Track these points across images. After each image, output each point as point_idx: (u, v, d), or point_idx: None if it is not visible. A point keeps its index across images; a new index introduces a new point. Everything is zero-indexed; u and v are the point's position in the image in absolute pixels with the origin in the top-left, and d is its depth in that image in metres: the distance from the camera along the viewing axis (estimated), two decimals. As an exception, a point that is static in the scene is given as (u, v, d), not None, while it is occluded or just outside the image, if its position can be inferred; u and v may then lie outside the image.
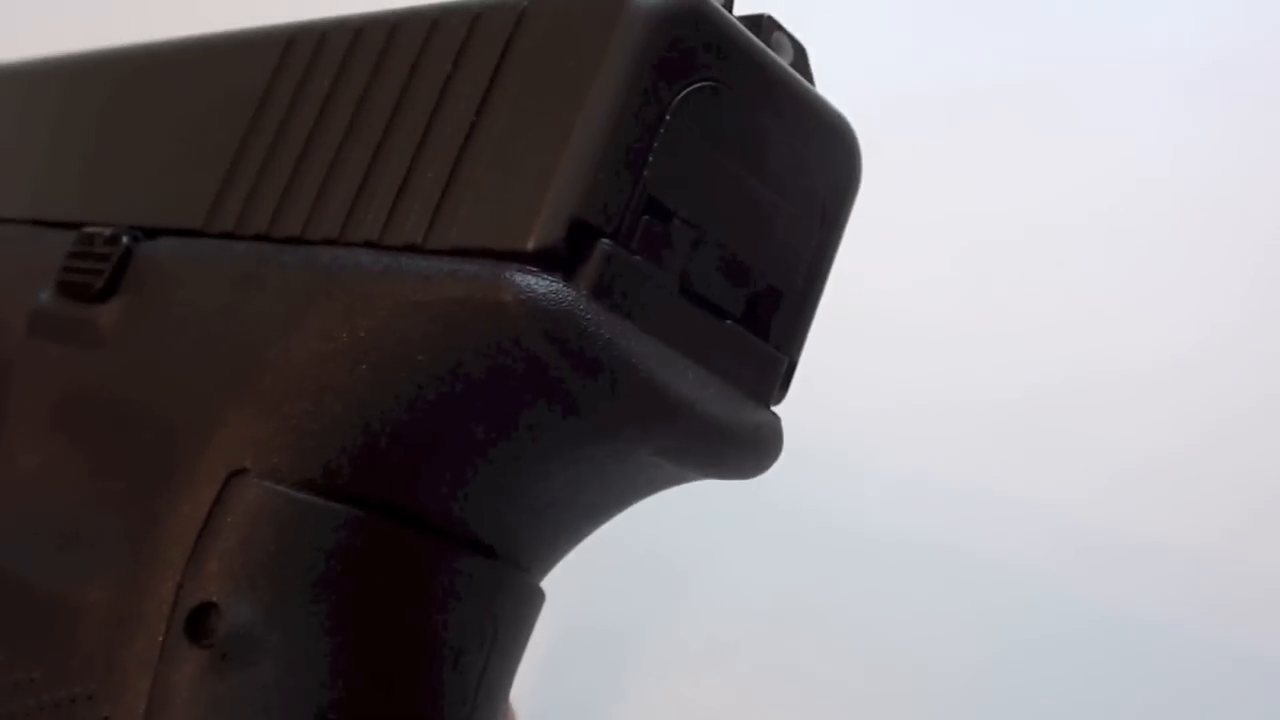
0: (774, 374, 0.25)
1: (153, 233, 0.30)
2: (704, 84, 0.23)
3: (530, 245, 0.22)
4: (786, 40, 0.26)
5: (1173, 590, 0.46)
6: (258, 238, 0.27)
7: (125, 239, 0.29)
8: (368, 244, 0.25)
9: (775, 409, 0.25)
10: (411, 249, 0.24)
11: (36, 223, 0.33)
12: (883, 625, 0.49)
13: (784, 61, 0.25)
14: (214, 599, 0.24)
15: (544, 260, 0.22)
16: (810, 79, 0.26)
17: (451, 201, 0.24)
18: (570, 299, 0.22)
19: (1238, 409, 0.47)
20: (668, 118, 0.23)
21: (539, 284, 0.22)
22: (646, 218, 0.23)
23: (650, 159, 0.23)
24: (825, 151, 0.25)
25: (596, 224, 0.22)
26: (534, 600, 0.26)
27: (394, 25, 0.27)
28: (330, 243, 0.26)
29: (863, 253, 0.49)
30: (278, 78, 0.29)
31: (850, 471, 0.50)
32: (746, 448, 0.24)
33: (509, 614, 0.26)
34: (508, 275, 0.22)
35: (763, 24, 0.26)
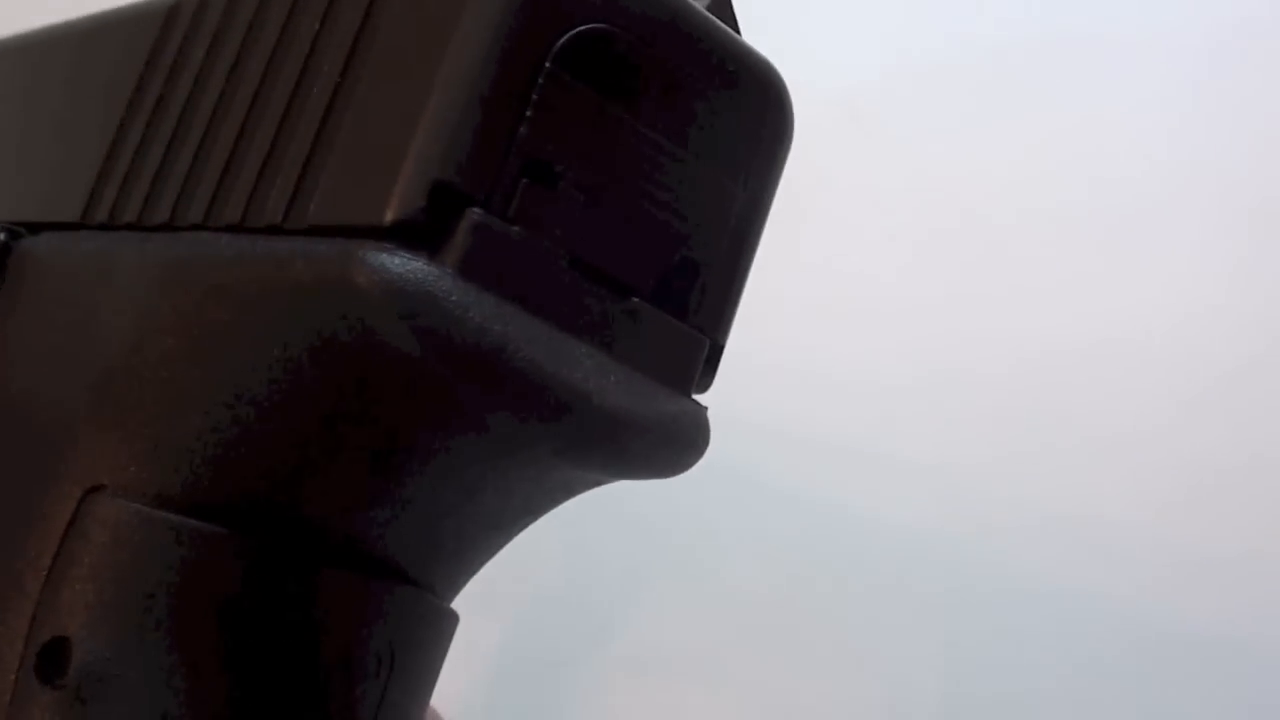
0: (693, 357, 0.22)
1: (35, 228, 0.27)
2: (592, 26, 0.20)
3: (387, 218, 0.19)
4: (700, -20, 0.23)
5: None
6: (129, 227, 0.25)
7: (2, 235, 0.27)
8: (230, 227, 0.22)
9: (700, 397, 0.22)
10: (272, 230, 0.21)
11: None
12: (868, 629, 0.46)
13: (698, 4, 0.22)
14: (67, 633, 0.21)
15: (404, 235, 0.19)
16: (734, 24, 0.23)
17: (314, 175, 0.21)
18: (433, 277, 0.19)
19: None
20: (547, 65, 0.20)
21: (394, 262, 0.19)
22: (525, 181, 0.20)
23: (527, 112, 0.20)
24: (746, 104, 0.22)
25: (463, 189, 0.19)
26: (440, 621, 0.23)
27: (268, -13, 0.24)
28: (197, 228, 0.23)
29: (852, 234, 0.47)
30: (157, 52, 0.26)
31: (836, 466, 0.47)
32: (659, 442, 0.21)
33: (409, 638, 0.23)
34: (360, 253, 0.19)
35: None
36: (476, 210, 0.19)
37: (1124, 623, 0.44)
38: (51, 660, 0.21)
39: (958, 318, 0.47)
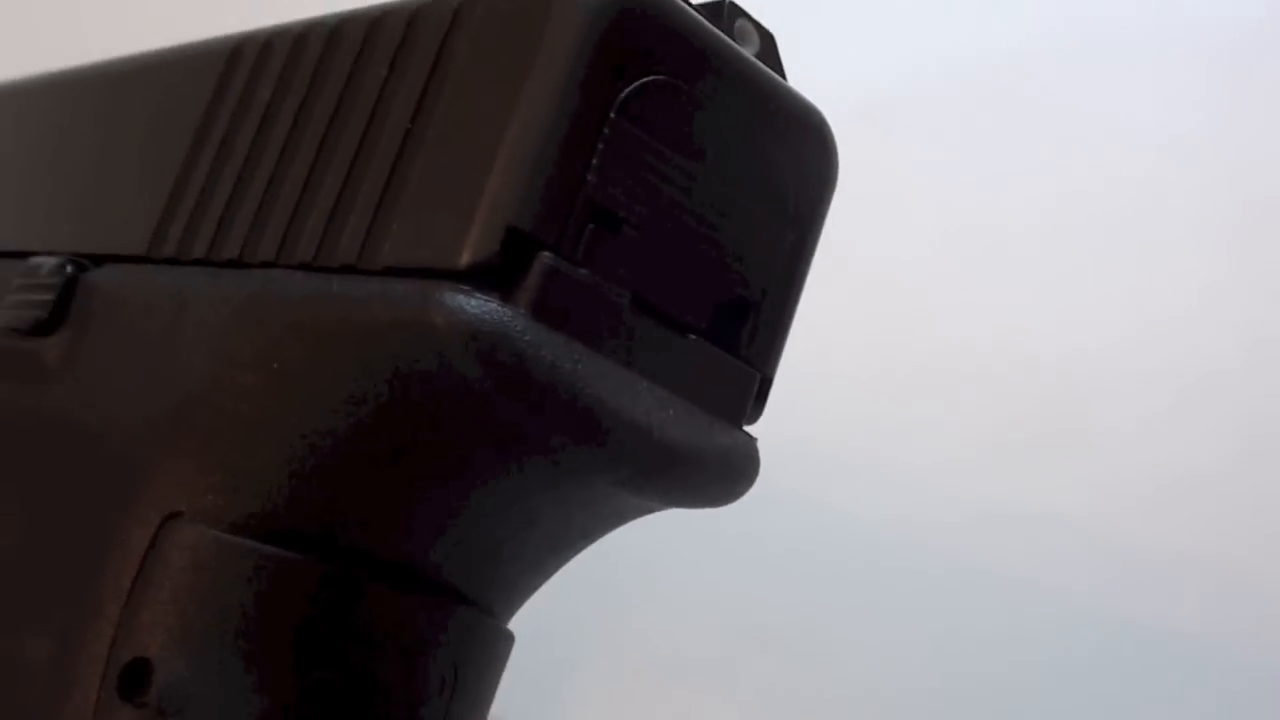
0: (745, 391, 0.23)
1: (98, 259, 0.28)
2: (654, 79, 0.21)
3: (463, 261, 0.20)
4: (751, 28, 0.24)
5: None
6: (198, 262, 0.26)
7: (69, 268, 0.28)
8: (303, 265, 0.23)
9: (750, 428, 0.23)
10: (347, 270, 0.22)
11: None
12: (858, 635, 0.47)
13: (748, 52, 0.23)
14: (147, 654, 0.22)
15: (479, 277, 0.20)
16: (780, 69, 0.24)
17: (386, 216, 0.22)
18: (507, 319, 0.20)
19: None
20: (613, 115, 0.21)
21: (472, 304, 0.20)
22: (592, 226, 0.21)
23: (594, 161, 0.21)
24: (795, 147, 0.23)
25: (535, 234, 0.20)
26: (499, 642, 0.24)
27: (334, 28, 0.25)
28: (267, 265, 0.24)
29: (864, 236, 0.48)
30: (222, 91, 0.27)
31: (823, 472, 0.48)
32: (715, 473, 0.22)
33: (471, 659, 0.24)
34: (438, 295, 0.20)
35: (724, 10, 0.24)
36: (547, 254, 0.20)
37: (1108, 619, 0.45)
38: (133, 679, 0.22)
39: (969, 321, 0.48)
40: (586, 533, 0.24)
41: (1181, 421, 0.46)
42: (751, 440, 0.23)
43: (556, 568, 0.25)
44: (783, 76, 0.24)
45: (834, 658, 0.47)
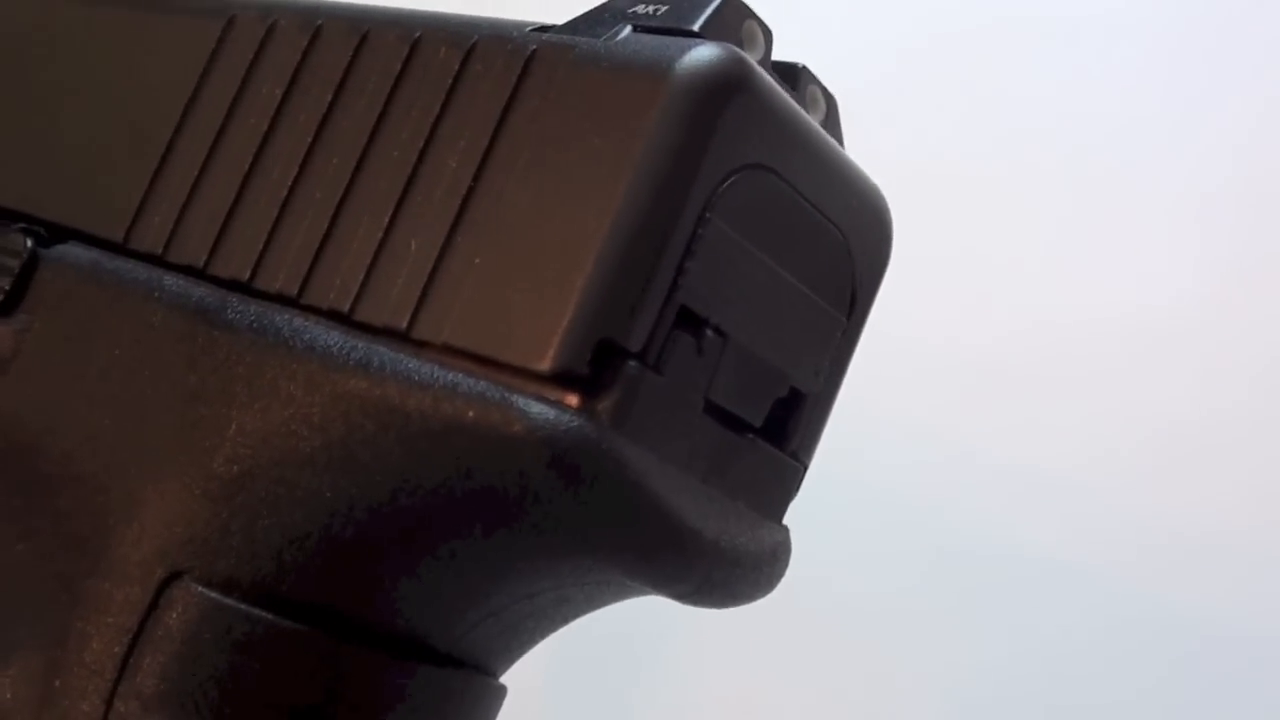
0: (792, 488, 0.22)
1: (60, 231, 0.26)
2: (747, 169, 0.20)
3: (546, 366, 0.19)
4: (820, 93, 0.23)
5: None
6: (191, 271, 0.23)
7: (29, 242, 0.25)
8: (334, 314, 0.21)
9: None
10: (391, 334, 0.21)
11: None
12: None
13: (818, 125, 0.22)
14: None
15: (560, 382, 0.19)
16: (839, 135, 0.23)
17: (443, 282, 0.20)
18: (591, 435, 0.19)
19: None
20: (708, 214, 0.20)
21: (555, 416, 0.19)
22: (676, 331, 0.20)
23: (687, 264, 0.19)
24: (862, 234, 0.22)
25: (624, 344, 0.19)
26: (496, 700, 0.24)
27: (366, 34, 0.23)
28: (287, 301, 0.22)
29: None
30: (216, 63, 0.25)
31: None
32: (762, 576, 0.22)
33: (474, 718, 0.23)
34: (519, 402, 0.19)
35: (799, 76, 0.22)
36: (634, 364, 0.19)
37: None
38: None
39: (946, 297, 0.48)
40: (605, 604, 0.23)
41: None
42: (788, 534, 0.23)
43: (557, 630, 0.24)
44: (841, 142, 0.23)
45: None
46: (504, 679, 0.24)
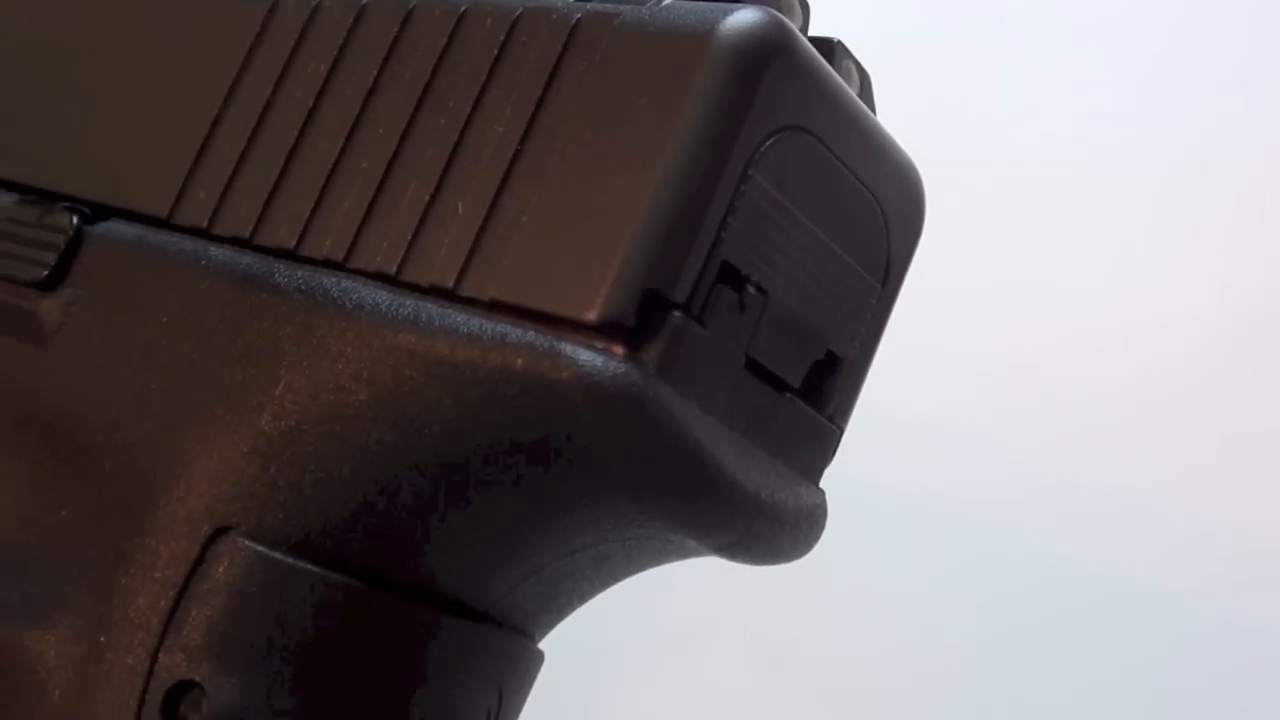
0: (830, 450, 0.23)
1: (102, 210, 0.26)
2: (788, 130, 0.21)
3: (593, 316, 0.19)
4: (854, 68, 0.24)
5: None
6: (237, 241, 0.24)
7: (75, 220, 0.26)
8: (381, 275, 0.22)
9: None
10: (438, 292, 0.21)
11: None
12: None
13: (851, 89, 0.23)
14: (196, 677, 0.21)
15: (607, 332, 0.19)
16: (873, 109, 0.24)
17: (489, 242, 0.21)
18: (638, 381, 0.19)
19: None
20: (750, 172, 0.20)
21: (603, 363, 0.19)
22: (719, 285, 0.20)
23: (730, 220, 0.20)
24: (895, 203, 0.23)
25: (669, 295, 0.19)
26: (536, 663, 0.24)
27: (412, 9, 0.24)
28: (333, 265, 0.22)
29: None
30: (261, 44, 0.25)
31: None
32: (801, 535, 0.22)
33: (513, 681, 0.23)
34: (567, 349, 0.19)
35: (835, 50, 0.23)
36: (679, 315, 0.20)
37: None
38: (176, 703, 0.21)
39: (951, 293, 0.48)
40: (640, 567, 0.24)
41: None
42: (824, 496, 0.23)
43: (597, 594, 0.24)
44: (875, 114, 0.24)
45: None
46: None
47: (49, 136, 0.28)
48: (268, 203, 0.24)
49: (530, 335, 0.20)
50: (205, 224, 0.24)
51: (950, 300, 0.48)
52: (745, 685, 0.49)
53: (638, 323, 0.19)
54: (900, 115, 0.25)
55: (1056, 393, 0.48)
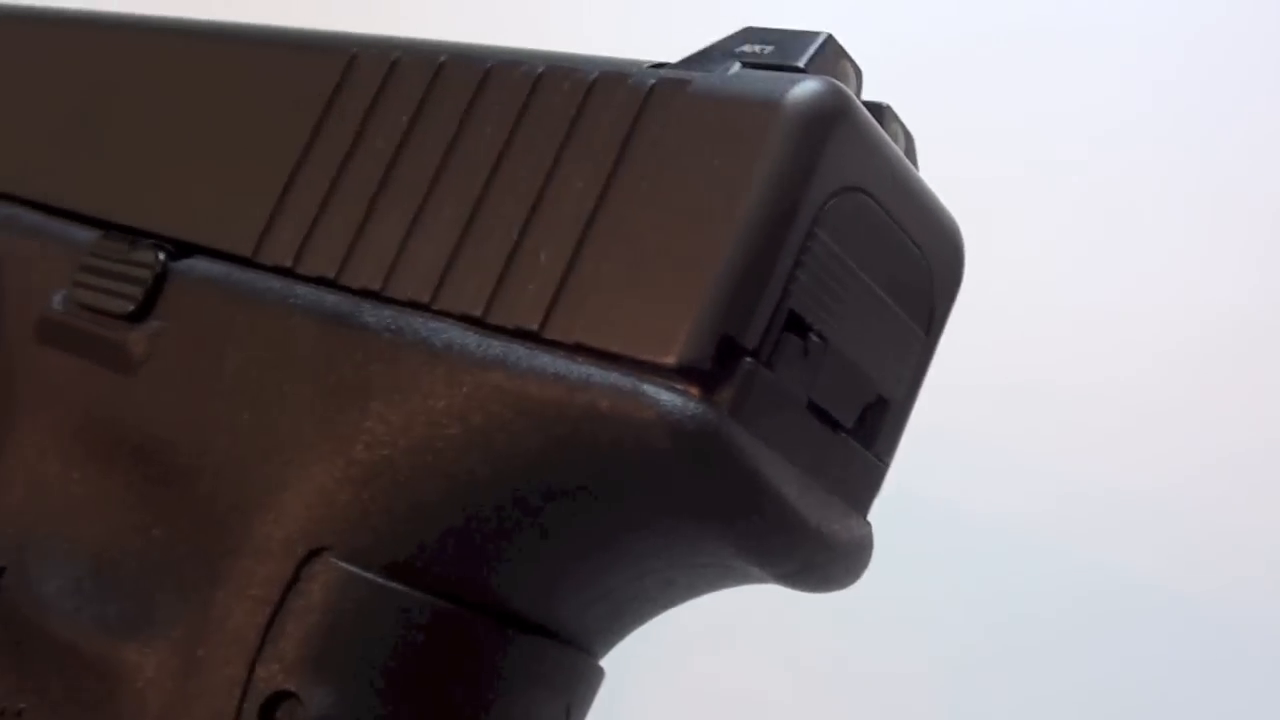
0: (877, 485, 0.25)
1: (186, 247, 0.28)
2: (848, 191, 0.22)
3: (673, 360, 0.21)
4: (900, 130, 0.25)
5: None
6: (322, 281, 0.25)
7: (161, 256, 0.27)
8: (467, 318, 0.23)
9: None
10: (524, 335, 0.23)
11: (48, 208, 0.30)
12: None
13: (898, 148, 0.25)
14: (292, 688, 0.22)
15: (685, 376, 0.21)
16: (916, 166, 0.26)
17: (573, 288, 0.23)
18: (714, 421, 0.21)
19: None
20: (815, 229, 0.22)
21: (683, 404, 0.21)
22: (786, 333, 0.22)
23: (797, 273, 0.22)
24: (940, 257, 0.25)
25: (742, 342, 0.21)
26: (599, 679, 0.26)
27: (489, 69, 0.25)
28: (419, 306, 0.24)
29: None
30: (340, 96, 0.27)
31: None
32: (851, 565, 0.24)
33: (579, 696, 0.25)
34: (649, 391, 0.21)
35: (884, 114, 0.25)
36: (750, 360, 0.21)
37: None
38: (277, 710, 0.22)
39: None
40: (700, 593, 0.25)
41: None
42: (870, 528, 0.25)
43: (657, 615, 0.26)
44: (916, 167, 0.26)
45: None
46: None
47: (133, 175, 0.29)
48: (352, 245, 0.25)
49: (614, 377, 0.21)
50: (290, 263, 0.26)
51: (965, 313, 0.49)
52: (767, 686, 0.50)
53: (713, 367, 0.21)
54: (912, 129, 0.26)
55: (1075, 403, 0.49)
